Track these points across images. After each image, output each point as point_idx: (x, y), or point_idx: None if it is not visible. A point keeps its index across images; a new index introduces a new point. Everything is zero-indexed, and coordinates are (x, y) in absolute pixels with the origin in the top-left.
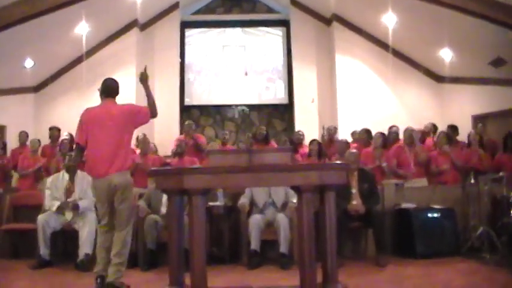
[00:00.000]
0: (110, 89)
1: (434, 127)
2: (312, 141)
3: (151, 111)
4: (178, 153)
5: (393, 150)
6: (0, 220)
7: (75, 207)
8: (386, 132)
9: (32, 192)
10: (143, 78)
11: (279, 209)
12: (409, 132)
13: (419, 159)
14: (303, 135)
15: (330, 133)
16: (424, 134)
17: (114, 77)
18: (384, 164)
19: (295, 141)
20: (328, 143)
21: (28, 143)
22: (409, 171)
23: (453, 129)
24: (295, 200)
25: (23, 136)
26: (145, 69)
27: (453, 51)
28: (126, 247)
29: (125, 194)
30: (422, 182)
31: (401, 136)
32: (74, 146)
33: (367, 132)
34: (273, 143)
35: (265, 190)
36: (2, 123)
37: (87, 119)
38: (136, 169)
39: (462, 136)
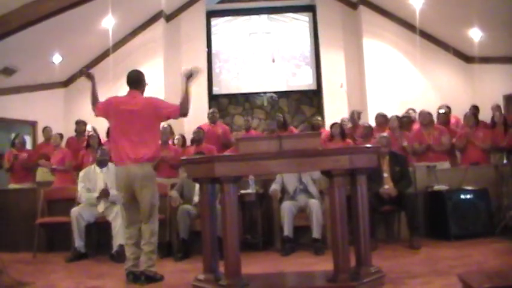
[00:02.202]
0: (130, 79)
1: (448, 108)
2: (334, 124)
3: (182, 108)
4: (196, 140)
5: (413, 133)
6: (35, 214)
7: (106, 193)
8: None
9: (65, 186)
10: (190, 76)
11: (311, 195)
12: (424, 114)
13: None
14: (322, 120)
15: (354, 117)
16: (446, 115)
17: (141, 69)
18: (405, 143)
19: (314, 127)
20: (353, 127)
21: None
22: (430, 151)
23: (475, 109)
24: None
25: (48, 131)
26: (195, 68)
27: (482, 30)
28: (154, 235)
29: (144, 183)
30: (446, 164)
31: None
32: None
33: (383, 116)
34: (292, 129)
35: (296, 176)
36: (33, 119)
37: (111, 106)
38: (160, 162)
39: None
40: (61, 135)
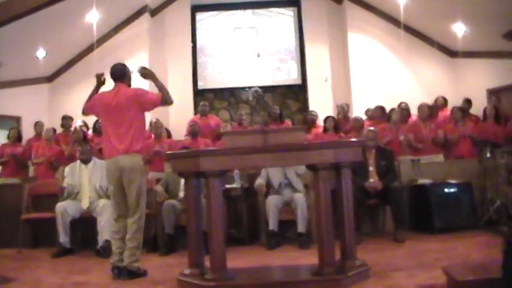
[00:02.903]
0: (113, 73)
1: (444, 100)
2: (327, 118)
3: (164, 98)
4: (192, 134)
5: (409, 126)
6: (19, 210)
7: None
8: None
9: (49, 181)
10: (146, 73)
11: (296, 189)
12: (423, 107)
13: (437, 138)
14: (316, 115)
15: (344, 110)
16: (437, 108)
17: (126, 63)
18: (402, 137)
19: (309, 121)
20: (342, 120)
21: (44, 131)
22: (425, 146)
23: (468, 102)
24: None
25: (40, 126)
26: (142, 67)
27: (466, 25)
28: (139, 231)
29: (133, 176)
30: (439, 157)
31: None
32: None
33: (381, 108)
34: (288, 122)
35: (281, 171)
36: (17, 114)
37: (99, 102)
38: (155, 156)
39: (479, 110)
40: (54, 130)
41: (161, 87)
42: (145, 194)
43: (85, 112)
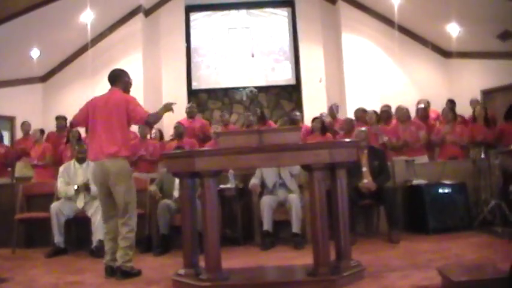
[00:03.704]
0: (109, 77)
1: (428, 102)
2: (315, 119)
3: (149, 118)
4: (177, 135)
5: (389, 129)
6: (13, 209)
7: (87, 189)
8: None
9: (44, 181)
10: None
11: (290, 189)
12: (401, 109)
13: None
14: (299, 115)
15: (332, 111)
16: (425, 110)
17: (120, 64)
18: (385, 139)
19: (293, 122)
20: (332, 121)
21: (31, 132)
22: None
23: (452, 103)
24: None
25: (26, 126)
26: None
27: (460, 25)
28: (131, 232)
29: (118, 178)
30: (424, 158)
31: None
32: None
33: (363, 110)
34: (271, 123)
35: (275, 171)
36: (11, 114)
37: (90, 106)
38: (139, 159)
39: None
40: (42, 131)
41: (160, 116)
42: (135, 194)
43: (73, 124)
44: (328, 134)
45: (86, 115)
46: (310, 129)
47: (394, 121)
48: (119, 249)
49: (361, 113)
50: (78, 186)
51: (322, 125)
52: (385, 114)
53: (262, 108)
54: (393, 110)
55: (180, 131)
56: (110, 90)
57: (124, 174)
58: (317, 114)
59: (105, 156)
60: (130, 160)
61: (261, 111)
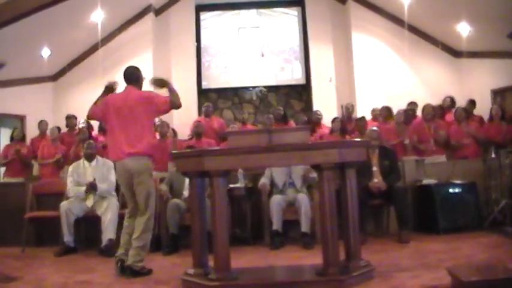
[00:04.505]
0: (124, 76)
1: (452, 101)
2: (335, 119)
3: (172, 101)
4: (196, 134)
5: (413, 126)
6: (23, 209)
7: (93, 187)
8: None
9: (54, 180)
10: (158, 82)
11: (299, 189)
12: (428, 108)
13: (439, 138)
14: (321, 115)
15: (348, 111)
16: (444, 109)
17: (130, 63)
18: (407, 141)
19: (313, 121)
20: (346, 121)
21: (48, 131)
22: (428, 147)
23: (472, 103)
24: (314, 175)
25: (44, 125)
26: (154, 79)
27: (470, 25)
28: (147, 232)
29: (140, 178)
30: (442, 158)
31: (418, 112)
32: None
33: (388, 109)
34: (292, 123)
35: (284, 170)
36: (22, 112)
37: (109, 105)
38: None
39: (483, 111)
40: (59, 128)
41: (172, 90)
42: (154, 195)
43: (90, 117)
44: (347, 136)
45: (105, 111)
46: (330, 129)
47: (418, 119)
48: (132, 248)
49: (385, 112)
50: (86, 188)
51: (342, 126)
52: (412, 113)
53: (283, 107)
54: (394, 110)
55: (199, 131)
56: (126, 88)
57: (146, 173)
58: (326, 113)
59: (125, 156)
60: (153, 159)
61: (284, 111)
